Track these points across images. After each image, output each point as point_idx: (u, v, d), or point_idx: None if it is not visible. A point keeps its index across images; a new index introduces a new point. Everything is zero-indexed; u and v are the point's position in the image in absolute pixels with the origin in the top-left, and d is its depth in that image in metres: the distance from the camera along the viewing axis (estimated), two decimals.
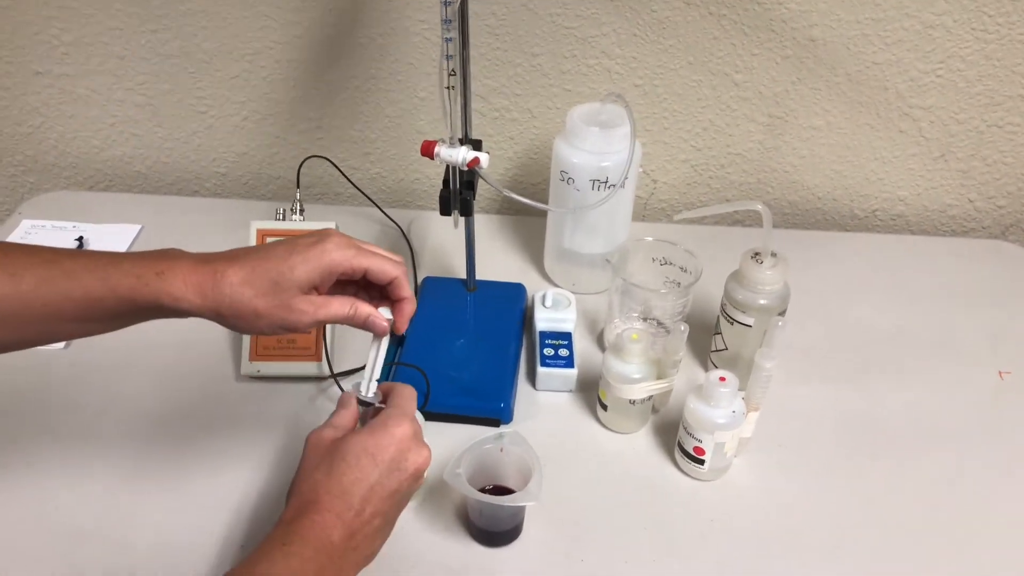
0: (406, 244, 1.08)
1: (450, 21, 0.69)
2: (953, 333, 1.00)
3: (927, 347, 0.97)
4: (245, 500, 0.77)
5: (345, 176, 1.10)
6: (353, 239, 0.63)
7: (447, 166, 0.80)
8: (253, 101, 1.12)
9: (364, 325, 0.64)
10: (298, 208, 0.95)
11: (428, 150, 0.76)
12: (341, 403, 0.66)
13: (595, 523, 0.76)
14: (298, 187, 0.98)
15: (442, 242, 1.10)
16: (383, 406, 0.66)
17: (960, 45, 1.03)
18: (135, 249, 1.06)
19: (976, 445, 0.85)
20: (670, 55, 1.05)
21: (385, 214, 1.11)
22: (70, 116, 1.16)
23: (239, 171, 1.20)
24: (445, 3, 0.68)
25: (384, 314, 0.65)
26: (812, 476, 0.81)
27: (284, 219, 0.94)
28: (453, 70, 0.71)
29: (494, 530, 0.73)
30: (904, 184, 1.15)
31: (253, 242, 0.91)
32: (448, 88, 0.72)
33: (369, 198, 1.11)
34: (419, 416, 0.70)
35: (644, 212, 1.20)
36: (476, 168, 0.76)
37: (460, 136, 0.77)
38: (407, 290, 0.65)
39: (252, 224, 0.91)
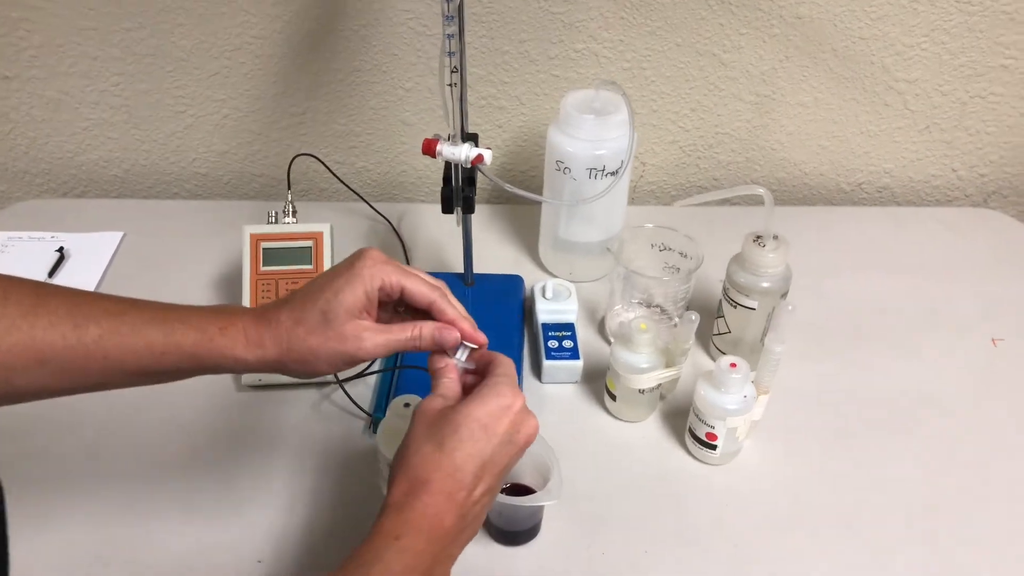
0: (397, 239, 1.07)
1: (452, 17, 0.67)
2: (944, 302, 1.01)
3: (920, 317, 0.98)
4: (258, 511, 0.75)
5: (333, 174, 1.08)
6: (389, 258, 0.61)
7: (447, 163, 0.79)
8: (233, 98, 1.09)
9: (432, 342, 0.60)
10: (290, 210, 0.93)
11: (430, 149, 0.74)
12: (441, 372, 0.61)
13: (611, 514, 0.76)
14: (289, 188, 0.96)
15: (434, 235, 1.09)
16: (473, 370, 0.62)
17: (944, 18, 1.03)
18: (120, 257, 1.03)
19: (977, 413, 0.86)
20: (657, 37, 1.05)
21: (374, 209, 1.10)
22: (41, 120, 1.12)
23: (220, 171, 1.17)
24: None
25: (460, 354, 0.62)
26: (820, 453, 0.82)
27: (276, 222, 0.92)
28: (456, 67, 0.70)
29: (514, 530, 0.73)
30: (889, 156, 1.16)
31: (246, 247, 0.89)
32: (451, 85, 0.70)
33: (357, 194, 1.09)
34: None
35: (633, 195, 1.19)
36: (479, 165, 0.75)
37: (460, 133, 0.76)
38: (449, 313, 0.61)
39: (245, 229, 0.89)
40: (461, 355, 0.62)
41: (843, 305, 1.00)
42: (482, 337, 0.62)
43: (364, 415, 0.84)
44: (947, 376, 0.91)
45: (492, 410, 0.56)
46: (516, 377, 0.60)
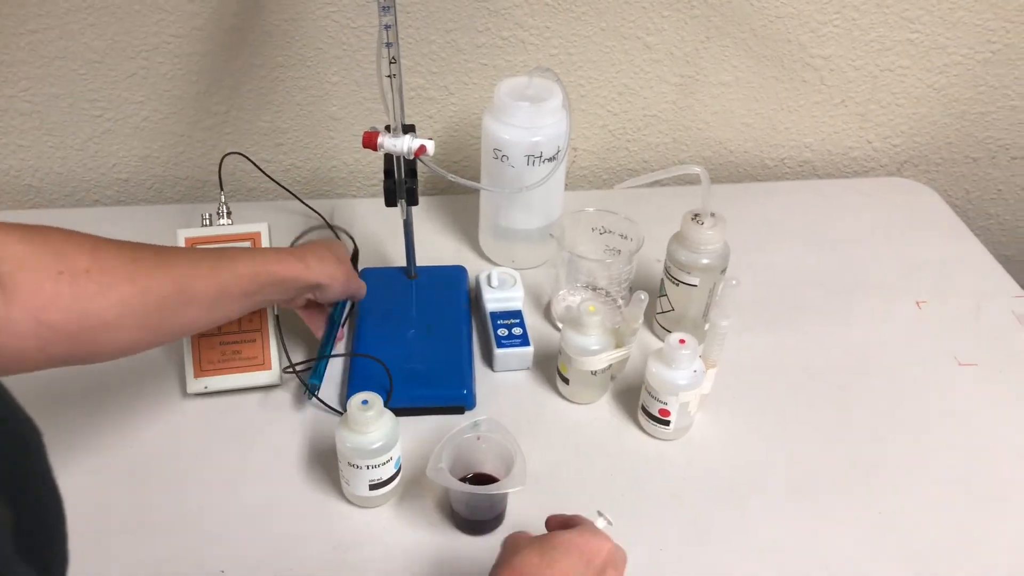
0: (333, 234, 1.05)
1: (388, 7, 0.66)
2: (868, 269, 1.05)
3: (848, 285, 1.03)
4: (215, 520, 0.74)
5: (264, 173, 1.05)
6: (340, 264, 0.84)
7: (387, 156, 0.78)
8: (153, 100, 1.05)
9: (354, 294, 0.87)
10: (224, 211, 0.90)
11: (371, 142, 0.74)
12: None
13: (572, 496, 0.77)
14: (221, 189, 0.93)
15: (370, 230, 1.08)
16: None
17: None
18: None
19: (910, 373, 0.91)
20: (582, 23, 1.06)
21: (308, 206, 1.08)
22: None
23: (143, 175, 1.13)
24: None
25: None
26: (768, 421, 0.85)
27: (211, 224, 0.89)
28: (394, 58, 0.69)
29: (480, 519, 0.73)
30: (809, 131, 1.20)
31: None
32: (390, 76, 0.70)
33: (289, 191, 1.07)
34: None
35: (567, 180, 1.20)
36: (422, 156, 0.74)
37: (398, 125, 0.76)
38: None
39: (179, 233, 0.86)
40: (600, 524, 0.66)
41: (775, 277, 1.03)
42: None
43: (314, 400, 0.83)
44: (880, 340, 0.95)
45: (590, 541, 0.60)
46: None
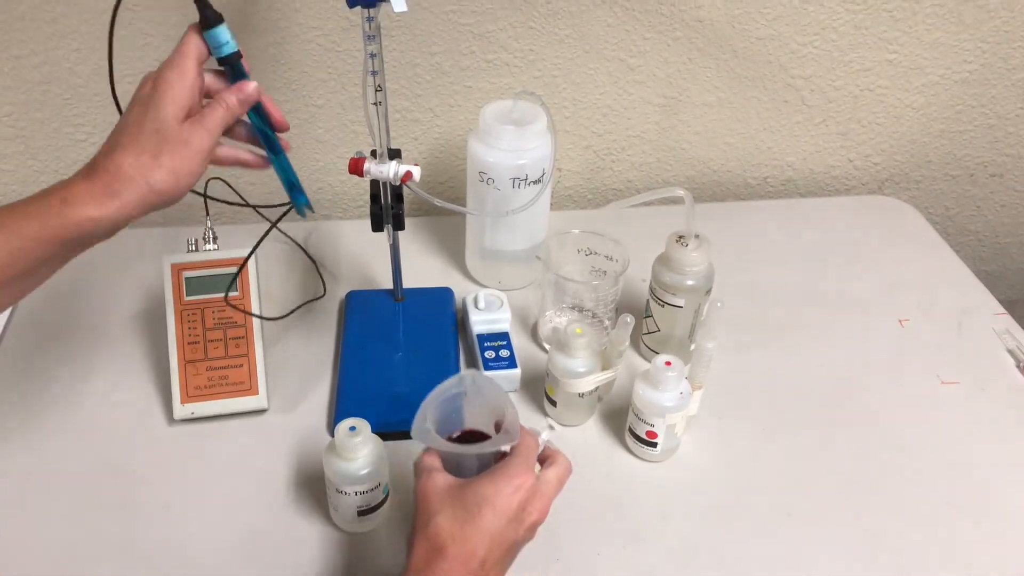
0: (307, 259, 1.05)
1: (373, 37, 0.67)
2: (851, 286, 1.06)
3: (832, 303, 1.04)
4: (203, 549, 0.73)
5: (241, 197, 1.05)
6: (167, 60, 0.64)
7: (373, 181, 0.79)
8: None
9: (240, 103, 0.65)
10: (211, 236, 0.90)
11: (357, 168, 0.74)
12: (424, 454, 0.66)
13: (562, 519, 0.77)
14: (207, 214, 0.93)
15: (356, 252, 1.08)
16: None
17: (832, 17, 1.09)
18: (29, 295, 0.98)
19: (894, 392, 0.91)
20: (566, 45, 1.06)
21: (280, 231, 1.06)
22: None
23: None
24: (368, 19, 0.66)
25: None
26: (754, 442, 0.85)
27: (197, 249, 0.89)
28: (379, 85, 0.69)
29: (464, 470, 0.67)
30: (791, 150, 1.22)
31: (168, 279, 0.86)
32: (376, 104, 0.70)
33: (263, 216, 1.06)
34: (536, 467, 0.66)
35: (552, 201, 1.21)
36: (408, 182, 0.75)
37: (384, 150, 0.76)
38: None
39: (164, 259, 0.86)
40: (544, 436, 0.66)
41: (758, 296, 1.04)
42: (277, 110, 0.70)
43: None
44: (864, 358, 0.96)
45: (501, 488, 0.59)
46: (533, 455, 0.64)
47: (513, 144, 0.91)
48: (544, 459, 0.66)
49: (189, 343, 0.84)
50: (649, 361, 0.91)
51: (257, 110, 0.69)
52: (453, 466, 0.66)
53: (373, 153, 0.78)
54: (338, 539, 0.75)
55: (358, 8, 0.67)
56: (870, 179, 1.27)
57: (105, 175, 0.58)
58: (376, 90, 0.70)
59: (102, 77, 1.01)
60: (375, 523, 0.75)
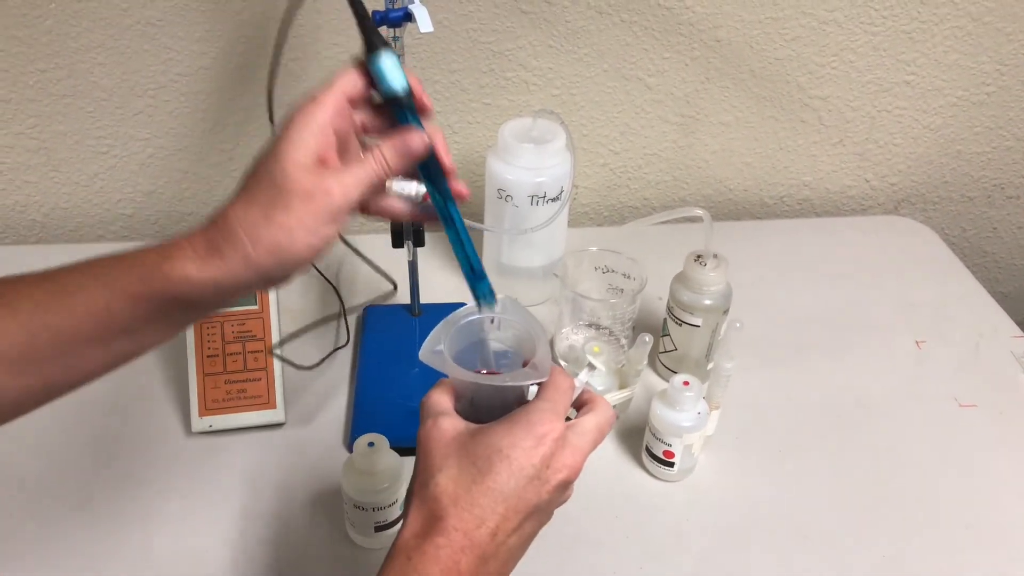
0: (319, 275, 1.05)
1: (399, 57, 0.67)
2: (868, 307, 1.06)
3: (848, 324, 1.03)
4: (220, 562, 0.73)
5: None
6: (314, 94, 0.51)
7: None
8: (159, 137, 1.06)
9: (402, 157, 0.51)
10: None
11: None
12: (436, 384, 0.55)
13: (577, 538, 0.77)
14: None
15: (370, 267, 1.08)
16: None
17: (851, 38, 1.09)
18: None
19: (912, 414, 0.91)
20: (585, 64, 1.07)
21: None
22: None
23: (147, 211, 1.13)
24: (393, 39, 0.66)
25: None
26: (771, 463, 0.85)
27: None
28: None
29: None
30: (808, 170, 1.22)
31: None
32: None
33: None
34: (572, 412, 0.54)
35: (568, 218, 1.21)
36: (429, 200, 0.75)
37: None
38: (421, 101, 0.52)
39: None
40: (583, 376, 0.55)
41: (776, 316, 1.03)
42: (450, 161, 0.55)
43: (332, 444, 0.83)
44: (881, 380, 0.95)
45: (520, 440, 0.48)
46: (564, 400, 0.52)
47: (532, 162, 0.91)
48: (580, 405, 0.55)
49: (208, 356, 0.85)
50: (666, 380, 0.91)
51: (427, 165, 0.54)
52: (468, 409, 0.55)
53: None
54: (355, 554, 0.75)
55: (383, 27, 0.67)
56: (887, 199, 1.27)
57: (211, 229, 0.48)
58: None
59: (125, 90, 1.02)
60: (392, 538, 0.75)
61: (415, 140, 0.51)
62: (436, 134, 0.53)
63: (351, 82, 0.51)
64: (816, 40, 1.09)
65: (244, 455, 0.83)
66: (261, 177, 0.48)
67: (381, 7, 0.66)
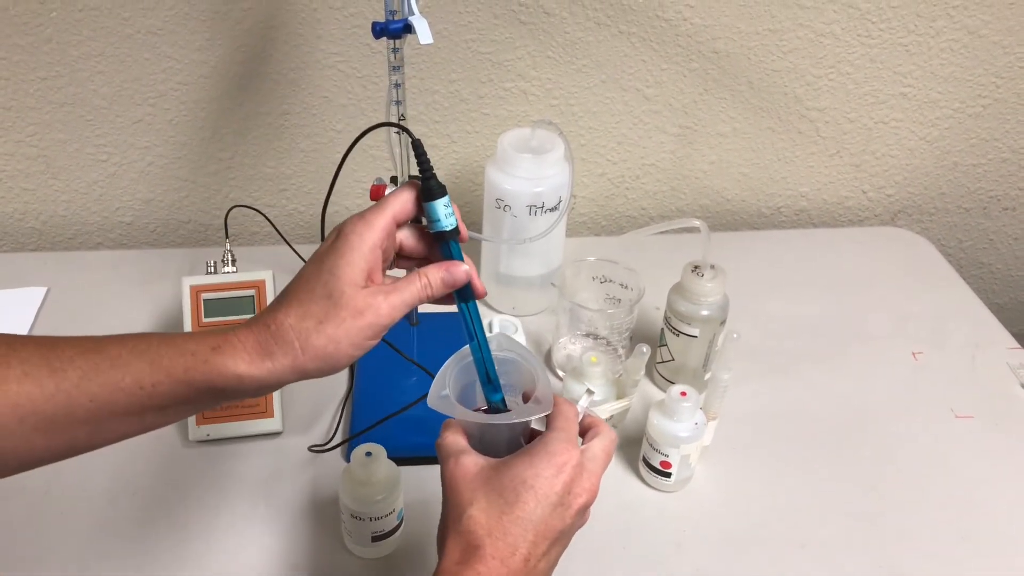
0: None
1: (398, 68, 0.68)
2: (864, 318, 1.06)
3: (845, 334, 1.04)
4: (218, 572, 0.73)
5: (271, 224, 1.06)
6: (368, 214, 0.55)
7: None
8: (158, 145, 1.07)
9: (444, 285, 0.56)
10: (229, 259, 0.91)
11: (379, 195, 0.75)
12: (444, 428, 0.58)
13: (574, 549, 0.76)
14: (227, 237, 0.94)
15: None
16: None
17: (848, 50, 1.10)
18: (46, 314, 0.99)
19: (906, 426, 0.91)
20: (584, 75, 1.08)
21: (298, 255, 1.06)
22: None
23: (146, 219, 1.14)
24: (393, 50, 0.67)
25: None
26: (768, 474, 0.85)
27: (215, 271, 0.90)
28: (403, 115, 0.70)
29: (495, 455, 0.59)
30: (805, 181, 1.22)
31: (186, 300, 0.86)
32: (399, 133, 0.71)
33: (284, 239, 1.06)
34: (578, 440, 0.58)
35: (566, 227, 1.22)
36: None
37: (405, 178, 0.77)
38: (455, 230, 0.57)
39: (184, 281, 0.87)
40: (583, 403, 0.60)
41: (772, 326, 1.04)
42: (480, 286, 0.59)
43: (321, 450, 0.83)
44: (878, 391, 0.96)
45: (541, 470, 0.53)
46: (574, 428, 0.57)
47: (530, 172, 0.92)
48: (585, 430, 0.59)
49: None
50: (663, 390, 0.92)
51: (462, 290, 0.59)
52: (479, 444, 0.59)
53: (393, 180, 0.79)
54: (352, 564, 0.75)
55: (383, 38, 0.68)
56: (883, 210, 1.28)
57: (264, 331, 0.52)
58: (399, 119, 0.71)
59: (125, 98, 1.02)
60: (389, 548, 0.75)
61: (459, 273, 0.57)
62: (469, 261, 0.58)
63: (401, 206, 0.56)
64: (813, 52, 1.09)
65: (242, 464, 0.83)
66: (315, 289, 0.52)
67: (381, 19, 0.67)
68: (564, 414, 0.57)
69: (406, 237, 0.58)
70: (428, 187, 0.56)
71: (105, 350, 0.52)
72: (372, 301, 0.53)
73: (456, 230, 0.57)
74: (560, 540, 0.54)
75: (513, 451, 0.58)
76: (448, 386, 0.58)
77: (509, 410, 0.59)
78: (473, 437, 0.59)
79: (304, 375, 0.52)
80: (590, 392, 0.62)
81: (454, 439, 0.57)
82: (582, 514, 0.55)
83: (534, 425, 0.57)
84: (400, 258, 0.59)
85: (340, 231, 0.54)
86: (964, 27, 1.09)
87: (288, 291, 0.54)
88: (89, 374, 0.50)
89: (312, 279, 0.53)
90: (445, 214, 0.56)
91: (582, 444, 0.57)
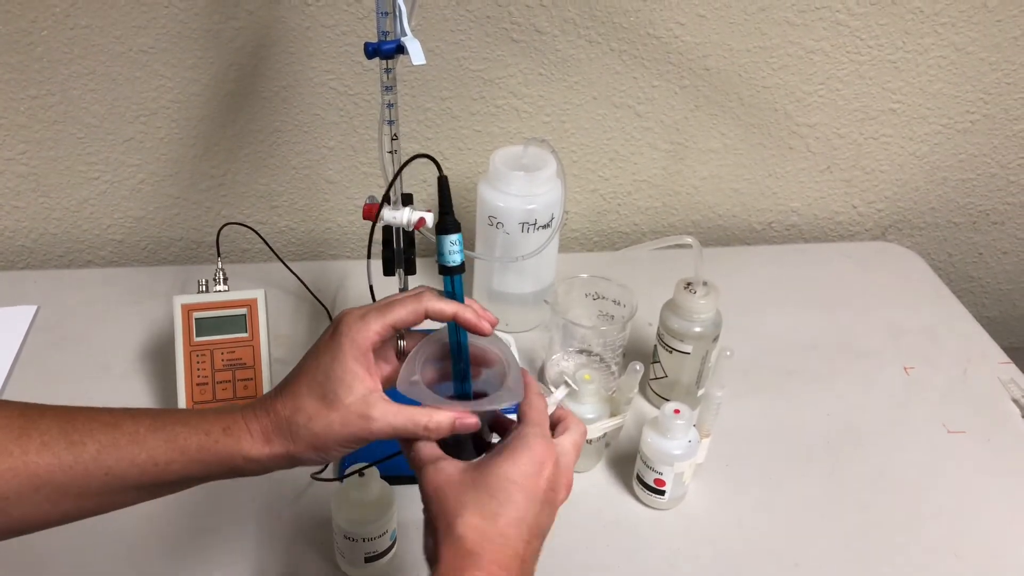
0: (314, 300, 1.05)
1: (390, 88, 0.68)
2: (856, 333, 1.07)
3: (837, 350, 1.04)
4: None
5: (265, 242, 1.05)
6: (366, 310, 0.56)
7: (385, 227, 0.79)
8: (150, 163, 1.07)
9: (451, 432, 0.56)
10: (221, 277, 0.91)
11: (371, 214, 0.74)
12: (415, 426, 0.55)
13: (567, 567, 0.77)
14: (219, 255, 0.94)
15: (363, 290, 1.07)
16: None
17: (837, 67, 1.11)
18: (36, 332, 0.98)
19: (898, 441, 0.91)
20: (575, 91, 1.08)
21: (293, 273, 1.06)
22: None
23: (137, 236, 1.13)
24: (386, 70, 0.67)
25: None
26: (761, 491, 0.85)
27: (207, 290, 0.90)
28: (395, 134, 0.70)
29: (465, 450, 0.60)
30: (795, 196, 1.23)
31: (178, 319, 0.86)
32: (392, 152, 0.71)
33: (279, 256, 1.06)
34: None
35: (558, 244, 1.22)
36: (422, 228, 0.75)
37: (398, 197, 0.77)
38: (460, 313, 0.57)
39: (175, 300, 0.87)
40: (559, 395, 0.60)
41: (763, 342, 1.04)
42: (486, 326, 0.58)
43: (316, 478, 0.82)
44: (870, 406, 0.96)
45: (526, 468, 0.52)
46: (547, 423, 0.56)
47: (523, 189, 0.92)
48: (555, 423, 0.58)
49: (198, 384, 0.84)
50: (656, 406, 0.92)
51: (458, 358, 0.60)
52: (448, 442, 0.57)
53: (385, 198, 0.78)
54: None
55: (376, 58, 0.68)
56: (874, 225, 1.28)
57: (266, 417, 0.55)
58: (392, 139, 0.71)
59: (116, 116, 1.02)
60: (382, 569, 0.75)
61: (469, 422, 0.56)
62: (473, 305, 0.59)
63: (404, 318, 0.56)
64: (803, 69, 1.10)
65: (233, 484, 0.82)
66: (310, 386, 0.54)
67: (373, 38, 0.67)
68: (536, 407, 0.56)
69: (400, 324, 0.57)
70: (444, 222, 0.59)
71: (121, 425, 0.54)
72: (367, 412, 0.53)
73: (462, 266, 0.59)
74: (542, 539, 0.54)
75: (478, 443, 0.60)
76: (418, 372, 0.57)
77: (474, 398, 0.58)
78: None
79: (299, 463, 0.55)
80: (567, 385, 0.61)
81: (424, 447, 0.56)
82: (556, 512, 0.55)
83: (503, 407, 0.57)
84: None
85: (337, 327, 0.56)
86: (952, 44, 1.10)
87: (288, 381, 0.56)
88: (107, 448, 0.52)
89: (308, 373, 0.55)
90: (452, 250, 0.59)
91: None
